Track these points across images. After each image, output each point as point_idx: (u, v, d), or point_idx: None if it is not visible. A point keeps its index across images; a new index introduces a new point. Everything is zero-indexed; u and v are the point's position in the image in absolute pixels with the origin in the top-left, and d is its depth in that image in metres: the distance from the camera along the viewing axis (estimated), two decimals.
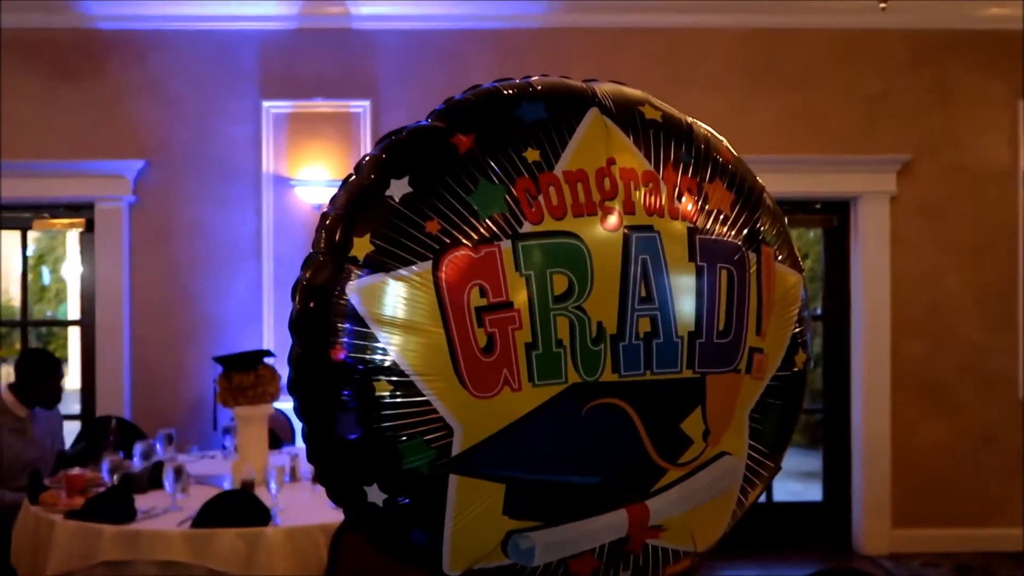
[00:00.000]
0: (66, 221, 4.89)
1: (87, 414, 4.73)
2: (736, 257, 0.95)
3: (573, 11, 4.68)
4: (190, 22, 4.66)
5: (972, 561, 4.50)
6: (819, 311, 4.96)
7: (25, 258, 5.23)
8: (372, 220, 0.88)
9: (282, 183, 4.66)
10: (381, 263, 0.86)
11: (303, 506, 2.77)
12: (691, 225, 0.93)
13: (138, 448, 3.31)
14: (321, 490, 0.95)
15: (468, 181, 0.87)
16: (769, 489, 4.80)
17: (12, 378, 3.53)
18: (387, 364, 0.85)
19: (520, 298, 0.85)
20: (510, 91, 0.96)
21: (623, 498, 0.91)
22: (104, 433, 3.67)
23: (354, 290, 0.87)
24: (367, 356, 0.86)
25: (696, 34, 4.71)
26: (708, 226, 0.94)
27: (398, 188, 0.89)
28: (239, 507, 2.59)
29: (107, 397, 4.61)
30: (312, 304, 0.90)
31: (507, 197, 0.87)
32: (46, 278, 10.07)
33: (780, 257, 1.02)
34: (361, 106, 4.67)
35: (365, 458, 0.87)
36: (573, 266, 0.87)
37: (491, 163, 0.88)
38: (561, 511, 0.89)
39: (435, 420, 0.85)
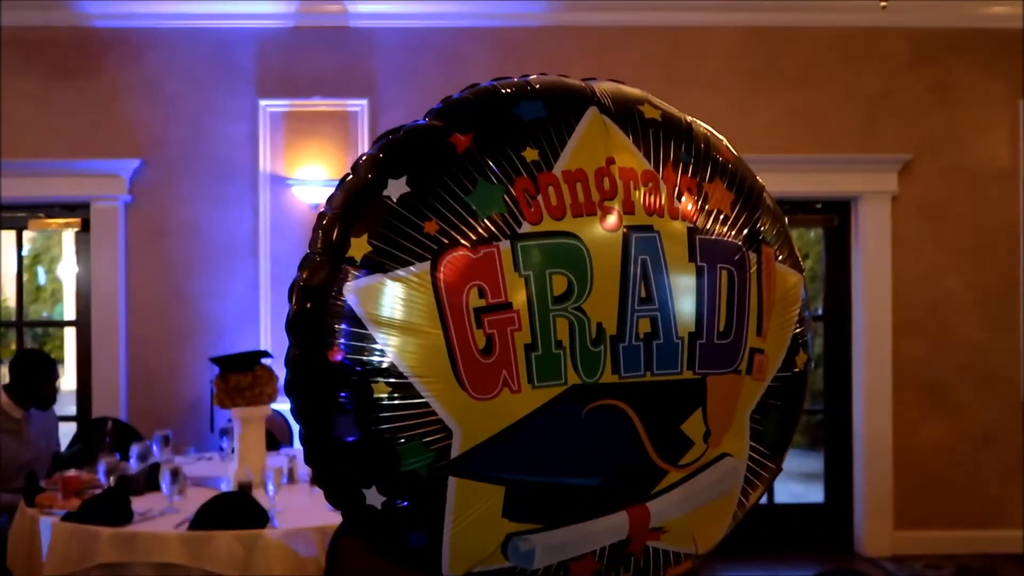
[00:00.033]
0: (62, 221, 4.88)
1: (83, 415, 4.73)
2: (736, 257, 0.95)
3: (572, 10, 4.68)
4: (187, 20, 4.66)
5: (975, 563, 4.50)
6: (820, 311, 4.96)
7: (20, 258, 5.22)
8: (370, 220, 0.88)
9: (279, 182, 4.66)
10: (379, 264, 0.86)
11: (301, 508, 2.77)
12: (691, 225, 0.93)
13: (134, 449, 3.31)
14: (319, 492, 0.95)
15: (466, 181, 0.87)
16: (770, 491, 4.80)
17: (7, 379, 3.52)
18: (385, 366, 0.85)
19: (519, 299, 0.85)
20: (508, 90, 0.96)
21: (623, 500, 0.91)
22: (100, 434, 3.66)
23: (351, 291, 0.87)
24: (365, 358, 0.85)
25: (696, 33, 4.71)
26: (708, 226, 0.94)
27: (396, 188, 0.88)
28: (236, 509, 2.59)
29: (103, 398, 4.61)
30: (309, 305, 0.89)
31: (506, 197, 0.87)
32: (42, 278, 10.06)
33: (780, 257, 1.02)
34: (359, 105, 4.67)
35: (363, 460, 0.87)
36: (572, 266, 0.86)
37: (489, 163, 0.88)
38: (561, 513, 0.89)
39: (434, 422, 0.85)
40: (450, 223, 0.86)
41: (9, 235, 5.07)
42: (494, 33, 4.66)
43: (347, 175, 0.96)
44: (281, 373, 0.96)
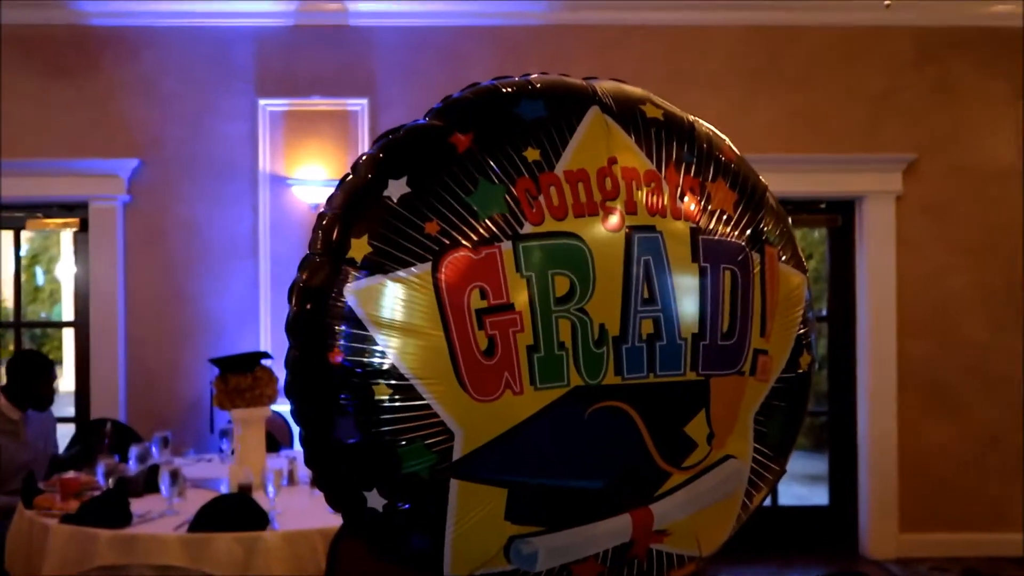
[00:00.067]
0: (60, 221, 4.89)
1: (81, 417, 4.73)
2: (740, 258, 0.95)
3: (573, 9, 4.68)
4: (185, 19, 4.67)
5: (980, 566, 4.49)
6: (824, 312, 4.96)
7: (18, 258, 5.23)
8: (370, 221, 0.88)
9: (279, 182, 4.66)
10: (379, 264, 0.86)
11: (301, 510, 2.77)
12: (694, 225, 0.93)
13: (134, 451, 3.31)
14: (320, 494, 0.95)
15: (467, 181, 0.87)
16: (774, 493, 4.80)
17: (4, 380, 3.53)
18: (386, 367, 0.85)
19: (521, 300, 0.85)
20: (509, 89, 0.96)
21: (627, 502, 0.91)
22: (99, 436, 3.66)
23: (352, 292, 0.87)
24: (365, 359, 0.85)
25: (698, 32, 4.71)
26: (711, 226, 0.94)
27: (396, 188, 0.88)
28: (236, 511, 2.59)
29: (102, 399, 4.62)
30: (309, 306, 0.89)
31: (507, 197, 0.87)
32: (40, 279, 10.07)
33: (784, 257, 1.02)
34: (359, 104, 4.67)
35: (364, 463, 0.87)
36: (575, 267, 0.86)
37: (491, 163, 0.88)
38: (564, 516, 0.89)
39: (435, 424, 0.85)
40: (451, 223, 0.86)
41: (7, 235, 5.08)
42: (495, 32, 4.67)
43: (347, 175, 0.96)
44: (281, 374, 0.96)
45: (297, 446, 3.89)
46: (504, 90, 0.96)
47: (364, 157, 0.96)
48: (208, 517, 2.54)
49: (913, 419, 4.66)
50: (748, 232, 0.97)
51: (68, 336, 7.85)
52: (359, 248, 0.87)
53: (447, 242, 0.85)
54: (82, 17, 4.63)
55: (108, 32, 4.64)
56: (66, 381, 5.39)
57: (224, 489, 2.99)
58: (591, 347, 0.86)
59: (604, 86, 1.00)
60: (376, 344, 0.85)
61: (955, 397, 4.67)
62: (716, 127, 1.09)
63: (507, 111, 0.93)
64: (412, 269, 0.85)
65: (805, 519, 4.96)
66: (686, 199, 0.94)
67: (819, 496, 5.22)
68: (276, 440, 3.92)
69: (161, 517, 2.68)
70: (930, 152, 4.67)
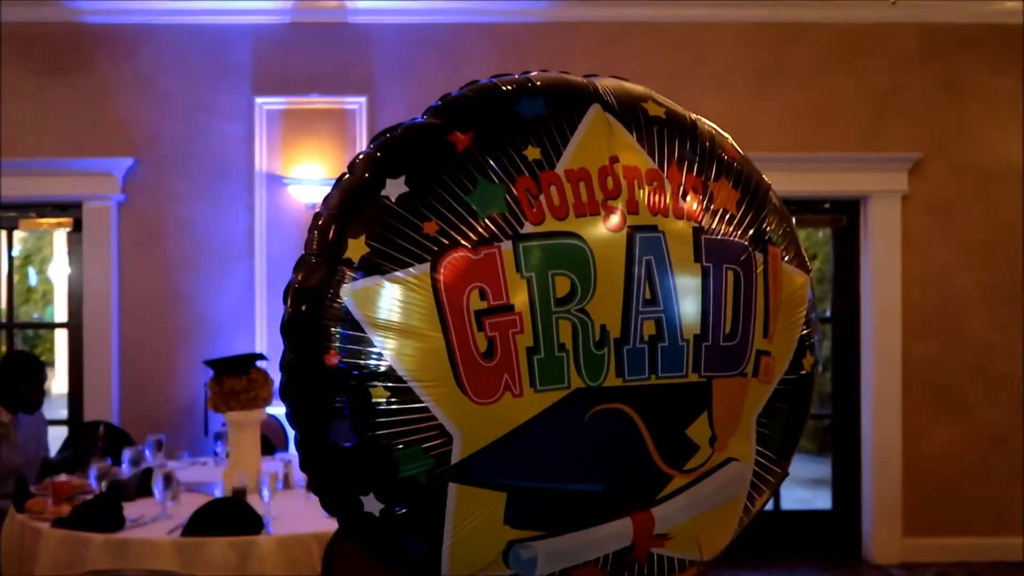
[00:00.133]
0: (53, 220, 4.89)
1: (74, 419, 4.73)
2: (742, 257, 0.95)
3: (574, 5, 4.68)
4: (181, 16, 4.67)
5: (985, 571, 4.49)
6: (828, 313, 4.96)
7: (11, 259, 5.23)
8: (367, 221, 0.88)
9: (275, 181, 4.66)
10: (377, 265, 0.86)
11: (297, 514, 2.77)
12: (696, 225, 0.93)
13: (127, 454, 3.31)
14: (315, 498, 0.95)
15: (467, 180, 0.87)
16: (777, 496, 4.80)
17: None
18: (383, 369, 0.85)
19: (521, 301, 0.85)
20: (509, 87, 0.96)
21: (628, 506, 0.91)
22: (92, 439, 3.66)
23: (348, 293, 0.86)
24: (362, 361, 0.85)
25: (700, 29, 4.71)
26: (714, 226, 0.94)
27: (394, 188, 0.88)
28: (230, 515, 2.59)
29: (95, 402, 4.61)
30: (305, 308, 0.89)
31: (507, 197, 0.87)
32: (32, 279, 10.07)
33: (787, 257, 1.02)
34: (357, 102, 4.67)
35: (361, 466, 0.87)
36: (575, 267, 0.86)
37: (490, 161, 0.88)
38: (564, 520, 0.89)
39: (433, 427, 0.84)
40: (450, 223, 0.86)
41: None
42: (494, 29, 4.67)
43: (344, 174, 0.96)
44: (277, 376, 0.96)
45: (292, 449, 3.90)
46: (504, 88, 0.96)
47: (361, 156, 0.95)
48: (202, 521, 2.54)
49: (918, 422, 4.66)
50: (751, 232, 0.97)
51: (61, 337, 7.83)
52: (356, 248, 0.87)
53: (446, 242, 0.85)
54: (76, 15, 4.63)
55: (103, 30, 4.64)
56: (59, 383, 5.39)
57: (218, 493, 2.99)
58: (592, 348, 0.86)
59: (605, 84, 1.00)
60: (373, 346, 0.85)
61: (960, 399, 4.67)
62: (719, 125, 1.09)
63: (507, 109, 0.93)
64: (410, 270, 0.85)
65: (808, 523, 4.96)
66: (688, 198, 0.94)
67: (822, 500, 5.22)
68: (271, 443, 3.92)
69: (154, 521, 2.68)
70: (936, 151, 4.67)
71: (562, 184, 0.88)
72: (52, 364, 8.78)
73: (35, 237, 9.52)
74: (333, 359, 0.86)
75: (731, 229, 0.95)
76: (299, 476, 3.24)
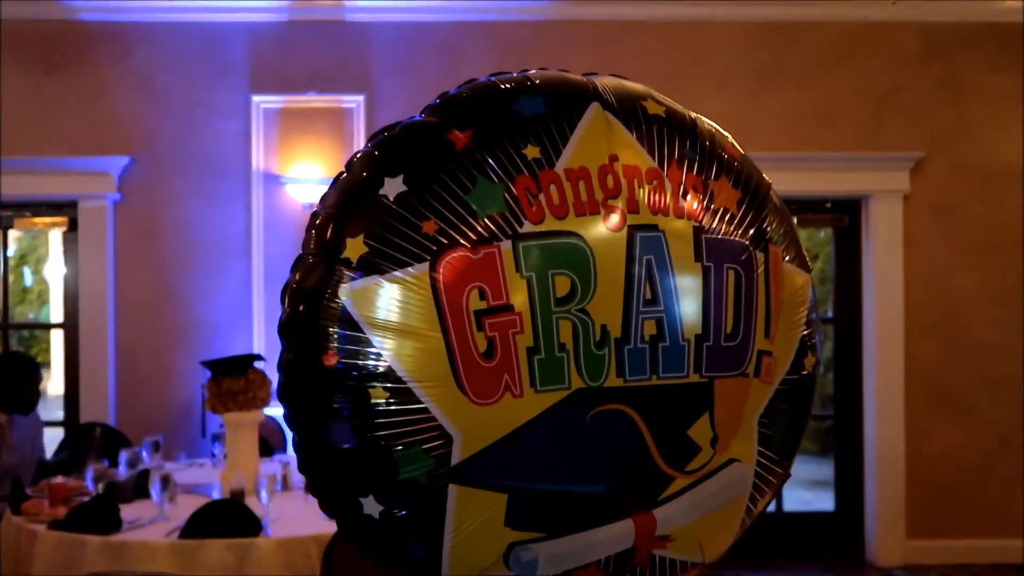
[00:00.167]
0: (48, 220, 4.89)
1: (71, 420, 4.73)
2: (743, 257, 0.95)
3: (573, 4, 4.69)
4: (177, 13, 4.67)
5: (989, 573, 4.50)
6: (830, 314, 4.97)
7: (6, 258, 5.23)
8: (366, 220, 0.88)
9: (272, 180, 4.66)
10: (375, 265, 0.86)
11: (295, 516, 2.77)
12: (697, 224, 0.93)
13: (123, 456, 3.31)
14: (314, 500, 0.95)
15: (466, 179, 0.87)
16: (779, 498, 4.80)
17: None
18: (382, 370, 0.85)
19: (521, 300, 0.85)
20: (508, 85, 0.96)
21: (629, 507, 0.91)
22: (88, 440, 3.67)
23: (347, 293, 0.86)
24: (361, 362, 0.85)
25: (700, 28, 4.72)
26: (714, 225, 0.94)
27: (392, 187, 0.88)
28: (228, 517, 2.59)
29: (91, 403, 4.61)
30: (302, 308, 0.89)
31: (506, 196, 0.87)
32: (28, 279, 10.07)
33: (788, 257, 1.02)
34: (355, 101, 4.68)
35: (360, 468, 0.87)
36: (575, 267, 0.86)
37: (489, 160, 0.88)
38: (565, 521, 0.89)
39: (433, 428, 0.84)
40: (449, 223, 0.86)
41: None
42: (493, 27, 4.67)
43: (341, 173, 0.96)
44: (274, 377, 0.96)
45: (291, 451, 3.90)
46: (503, 86, 0.96)
47: (359, 155, 0.95)
48: (200, 523, 2.54)
49: (921, 423, 4.66)
50: (752, 231, 0.97)
51: (57, 338, 7.84)
52: (354, 248, 0.87)
53: (445, 241, 0.85)
54: (72, 12, 4.63)
55: (99, 27, 4.63)
56: (55, 384, 5.39)
57: (216, 495, 2.99)
58: (592, 349, 0.86)
59: (605, 82, 1.00)
60: (372, 346, 0.85)
61: (964, 400, 4.67)
62: (719, 125, 1.09)
63: (506, 108, 0.93)
64: (409, 269, 0.85)
65: (810, 525, 4.97)
66: (688, 197, 0.94)
67: (824, 501, 5.22)
68: (269, 444, 3.92)
69: (152, 523, 2.68)
70: (938, 150, 4.67)
71: (562, 183, 0.88)
72: (48, 365, 8.78)
73: (30, 237, 9.53)
74: (331, 360, 0.86)
75: (732, 228, 0.96)
76: (297, 478, 3.24)
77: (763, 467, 1.00)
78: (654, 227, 0.90)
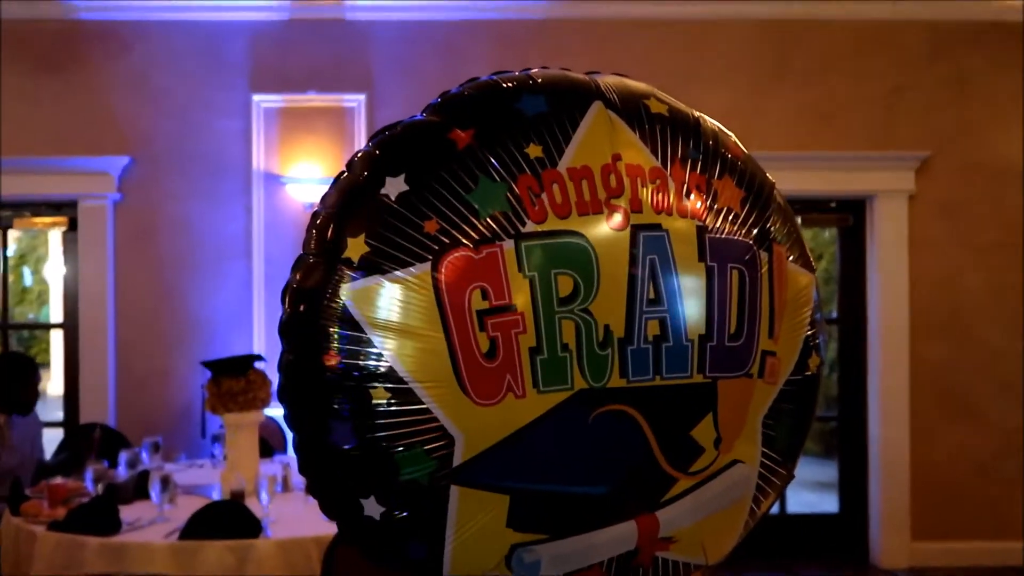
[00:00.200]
0: (48, 220, 4.91)
1: (70, 421, 4.74)
2: (747, 257, 0.95)
3: (575, 2, 4.69)
4: (177, 12, 4.68)
5: None
6: (834, 314, 4.96)
7: (5, 258, 5.25)
8: (367, 219, 0.88)
9: (273, 180, 4.67)
10: (377, 265, 0.86)
11: (295, 517, 2.78)
12: (700, 224, 0.93)
13: (123, 457, 3.32)
14: (314, 501, 0.95)
15: (467, 178, 0.87)
16: (783, 500, 4.80)
17: None
18: (383, 370, 0.85)
19: (523, 300, 0.85)
20: (509, 84, 0.96)
21: (632, 509, 0.91)
22: (88, 441, 3.67)
23: (347, 293, 0.86)
24: (362, 362, 0.85)
25: (703, 26, 4.72)
26: (718, 224, 0.94)
27: (394, 186, 0.88)
28: (228, 518, 2.60)
29: (91, 403, 4.62)
30: (303, 308, 0.89)
31: (508, 195, 0.87)
32: (27, 279, 10.09)
33: (792, 257, 1.02)
34: (356, 100, 4.68)
35: (361, 469, 0.87)
36: (578, 267, 0.86)
37: (491, 159, 0.88)
38: (567, 523, 0.89)
39: (435, 429, 0.84)
40: (451, 222, 0.86)
41: None
42: (494, 26, 4.67)
43: (342, 173, 0.96)
44: (275, 378, 0.96)
45: (291, 452, 3.90)
46: (504, 85, 0.96)
47: (360, 154, 0.95)
48: (199, 524, 2.54)
49: (926, 424, 4.65)
50: (755, 231, 0.97)
51: (56, 338, 7.84)
52: (355, 248, 0.87)
53: (447, 241, 0.85)
54: (71, 11, 4.64)
55: (98, 26, 4.64)
56: (54, 384, 5.40)
57: (216, 496, 2.99)
58: (595, 349, 0.86)
59: (607, 81, 1.00)
60: (373, 346, 0.85)
61: (970, 402, 4.67)
62: (723, 124, 1.09)
63: (508, 106, 0.93)
64: (411, 269, 0.85)
65: (814, 527, 4.96)
66: (692, 197, 0.94)
67: (829, 503, 5.22)
68: (269, 445, 3.92)
69: (151, 524, 2.69)
70: (944, 150, 4.67)
71: (564, 182, 0.88)
72: (47, 365, 8.79)
73: (30, 236, 9.56)
74: (332, 360, 0.86)
75: (735, 228, 0.95)
76: (298, 479, 3.25)
77: (767, 468, 1.00)
78: (658, 227, 0.90)
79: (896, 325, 4.64)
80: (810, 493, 5.75)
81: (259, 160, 4.57)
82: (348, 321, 0.86)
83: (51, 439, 4.07)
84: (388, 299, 0.85)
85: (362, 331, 0.85)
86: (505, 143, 0.89)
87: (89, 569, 2.51)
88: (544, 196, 0.87)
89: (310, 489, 0.93)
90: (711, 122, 1.04)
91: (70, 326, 4.72)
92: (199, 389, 4.40)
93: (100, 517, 2.63)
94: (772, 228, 1.00)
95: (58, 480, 3.03)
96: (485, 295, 0.84)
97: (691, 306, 0.90)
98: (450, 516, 0.86)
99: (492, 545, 0.87)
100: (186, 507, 2.74)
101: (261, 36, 4.62)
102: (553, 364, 0.84)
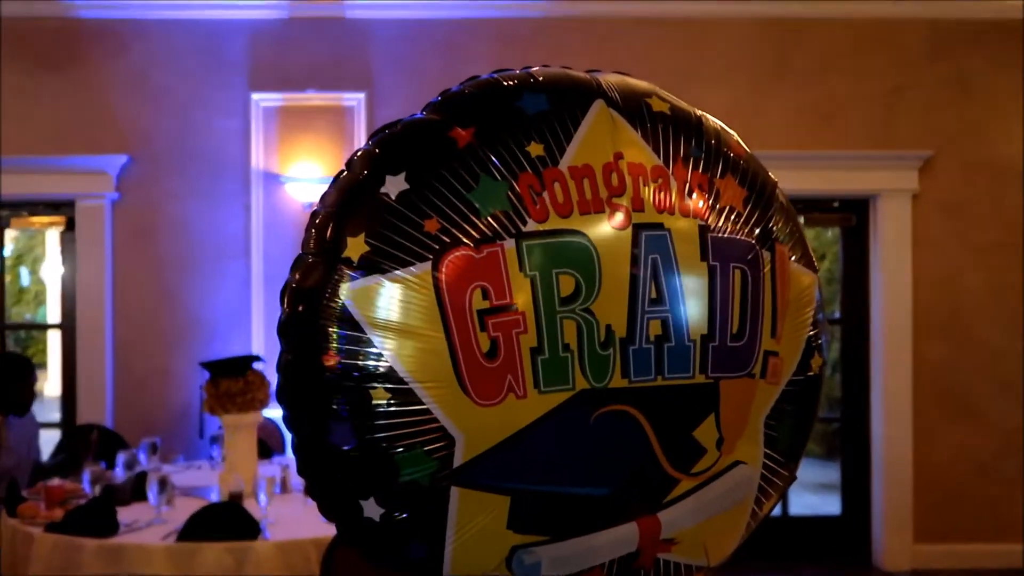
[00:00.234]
0: (45, 219, 4.91)
1: (67, 422, 4.74)
2: (749, 256, 0.95)
3: (575, 1, 4.69)
4: (176, 10, 4.68)
5: None
6: (837, 315, 4.96)
7: (2, 258, 5.25)
8: (367, 218, 0.88)
9: (272, 180, 4.67)
10: (376, 264, 0.86)
11: (294, 519, 2.78)
12: (702, 223, 0.93)
13: (121, 458, 3.31)
14: (313, 502, 0.95)
15: (468, 177, 0.87)
16: (785, 501, 4.80)
17: None
18: (383, 371, 0.85)
19: (525, 300, 0.85)
20: (510, 82, 0.96)
21: (633, 510, 0.91)
22: (85, 442, 3.67)
23: (347, 293, 0.86)
24: (361, 362, 0.85)
25: (704, 25, 4.72)
26: (720, 224, 0.94)
27: (394, 185, 0.88)
28: (226, 520, 2.60)
29: (88, 404, 4.62)
30: (302, 308, 0.89)
31: (510, 194, 0.87)
32: (25, 279, 10.09)
33: (794, 257, 1.02)
34: (355, 99, 4.69)
35: (360, 470, 0.87)
36: (580, 266, 0.86)
37: (492, 158, 0.88)
38: (568, 524, 0.89)
39: (435, 430, 0.84)
40: (452, 221, 0.86)
41: None
42: (494, 24, 4.67)
43: (341, 172, 0.96)
44: (273, 378, 0.96)
45: (290, 453, 3.90)
46: (505, 83, 0.96)
47: (359, 153, 0.95)
48: (198, 526, 2.54)
49: (929, 426, 4.65)
50: (758, 230, 0.97)
51: (54, 339, 7.84)
52: (355, 247, 0.87)
53: (447, 240, 0.85)
54: (69, 9, 4.64)
55: (96, 24, 4.64)
56: (52, 385, 5.41)
57: (214, 497, 2.99)
58: (597, 349, 0.86)
59: (609, 79, 1.00)
60: (373, 346, 0.85)
61: (973, 403, 4.66)
62: (725, 122, 1.09)
63: (508, 105, 0.93)
64: (411, 268, 0.85)
65: (816, 529, 4.96)
66: (694, 196, 0.94)
67: (831, 505, 5.21)
68: (268, 447, 3.92)
69: (149, 526, 2.69)
70: (946, 149, 4.67)
71: (566, 181, 0.88)
72: (45, 366, 8.79)
73: (27, 236, 9.56)
74: (331, 360, 0.86)
75: (738, 227, 0.95)
76: (296, 480, 3.25)
77: (769, 469, 1.00)
78: (660, 226, 0.90)
79: (899, 325, 4.64)
80: (812, 495, 5.75)
81: (258, 159, 4.57)
82: (348, 321, 0.85)
83: (48, 440, 4.07)
84: (388, 299, 0.85)
85: (362, 331, 0.85)
86: (506, 141, 0.89)
87: (86, 571, 2.51)
88: (545, 195, 0.87)
89: (309, 490, 0.93)
90: (713, 121, 1.04)
91: (67, 326, 4.72)
92: (197, 390, 4.40)
93: (97, 519, 2.63)
94: (775, 227, 0.99)
95: (55, 481, 3.03)
96: (486, 295, 0.84)
97: (693, 306, 0.89)
98: (450, 517, 0.86)
99: (492, 546, 0.87)
100: (184, 509, 2.74)
101: (260, 34, 4.62)
102: (554, 364, 0.84)
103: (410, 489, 0.85)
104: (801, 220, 1.12)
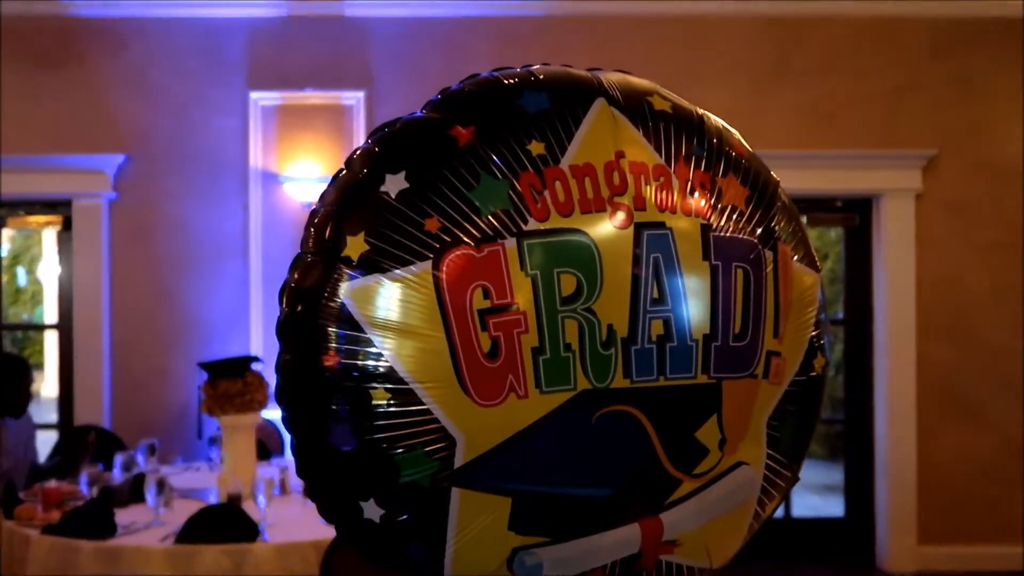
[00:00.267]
0: (42, 219, 4.91)
1: (65, 423, 4.74)
2: (752, 256, 0.95)
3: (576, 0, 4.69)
4: (174, 9, 4.68)
5: None
6: (840, 315, 4.96)
7: None
8: (366, 218, 0.88)
9: (270, 179, 4.67)
10: (376, 263, 0.86)
11: (293, 521, 2.78)
12: (704, 222, 0.93)
13: (118, 459, 3.31)
14: (312, 504, 0.95)
15: (469, 176, 0.87)
16: (788, 503, 4.80)
17: None
18: (383, 371, 0.85)
19: (526, 299, 0.85)
20: (511, 80, 0.96)
21: (635, 511, 0.91)
22: (82, 443, 3.67)
23: (346, 292, 0.86)
24: (361, 362, 0.85)
25: (706, 24, 4.72)
26: (722, 223, 0.94)
27: (394, 184, 0.88)
28: (225, 522, 2.60)
29: (86, 405, 4.62)
30: (301, 308, 0.89)
31: (511, 192, 0.87)
32: (21, 279, 10.09)
33: (797, 256, 1.02)
34: (355, 98, 4.69)
35: (360, 471, 0.87)
36: (581, 266, 0.86)
37: (493, 157, 0.88)
38: (570, 526, 0.89)
39: (436, 430, 0.84)
40: (452, 220, 0.86)
41: None
42: (494, 23, 4.67)
43: (340, 171, 0.95)
44: (272, 379, 0.96)
45: (288, 454, 3.90)
46: (506, 81, 0.96)
47: (359, 151, 0.95)
48: (196, 528, 2.54)
49: (933, 427, 4.65)
50: (760, 229, 0.97)
51: (51, 339, 7.85)
52: (355, 246, 0.87)
53: (448, 239, 0.85)
54: (66, 7, 4.64)
55: (94, 23, 4.64)
56: (49, 386, 5.41)
57: (213, 499, 2.99)
58: (599, 349, 0.86)
59: (610, 78, 1.00)
60: (372, 346, 0.85)
61: (977, 404, 4.66)
62: (727, 121, 1.09)
63: (509, 103, 0.93)
64: (411, 267, 0.85)
65: (820, 531, 4.96)
66: (696, 195, 0.94)
67: (834, 507, 5.21)
68: (267, 448, 3.92)
69: (147, 528, 2.69)
70: (950, 148, 4.67)
71: (567, 180, 0.88)
72: (41, 366, 8.79)
73: (24, 236, 9.56)
74: (331, 360, 0.86)
75: (740, 226, 0.95)
76: (296, 482, 3.25)
77: (771, 470, 1.00)
78: (661, 225, 0.90)
79: (902, 326, 4.64)
80: (815, 496, 5.75)
81: (257, 158, 4.57)
82: (347, 321, 0.85)
83: (45, 441, 4.07)
84: (388, 298, 0.85)
85: (361, 331, 0.85)
86: (507, 140, 0.88)
87: (84, 572, 2.51)
88: (546, 194, 0.87)
89: (308, 492, 0.93)
90: (715, 119, 1.04)
91: (65, 327, 4.72)
92: (196, 391, 4.40)
93: (95, 520, 2.63)
94: (777, 227, 0.99)
95: (52, 483, 3.03)
96: (487, 294, 0.84)
97: (695, 306, 0.89)
98: (451, 518, 0.85)
99: (493, 548, 0.87)
100: (182, 510, 2.74)
101: (259, 33, 4.62)
102: (556, 364, 0.84)
103: (410, 490, 0.85)
104: (804, 220, 1.12)
